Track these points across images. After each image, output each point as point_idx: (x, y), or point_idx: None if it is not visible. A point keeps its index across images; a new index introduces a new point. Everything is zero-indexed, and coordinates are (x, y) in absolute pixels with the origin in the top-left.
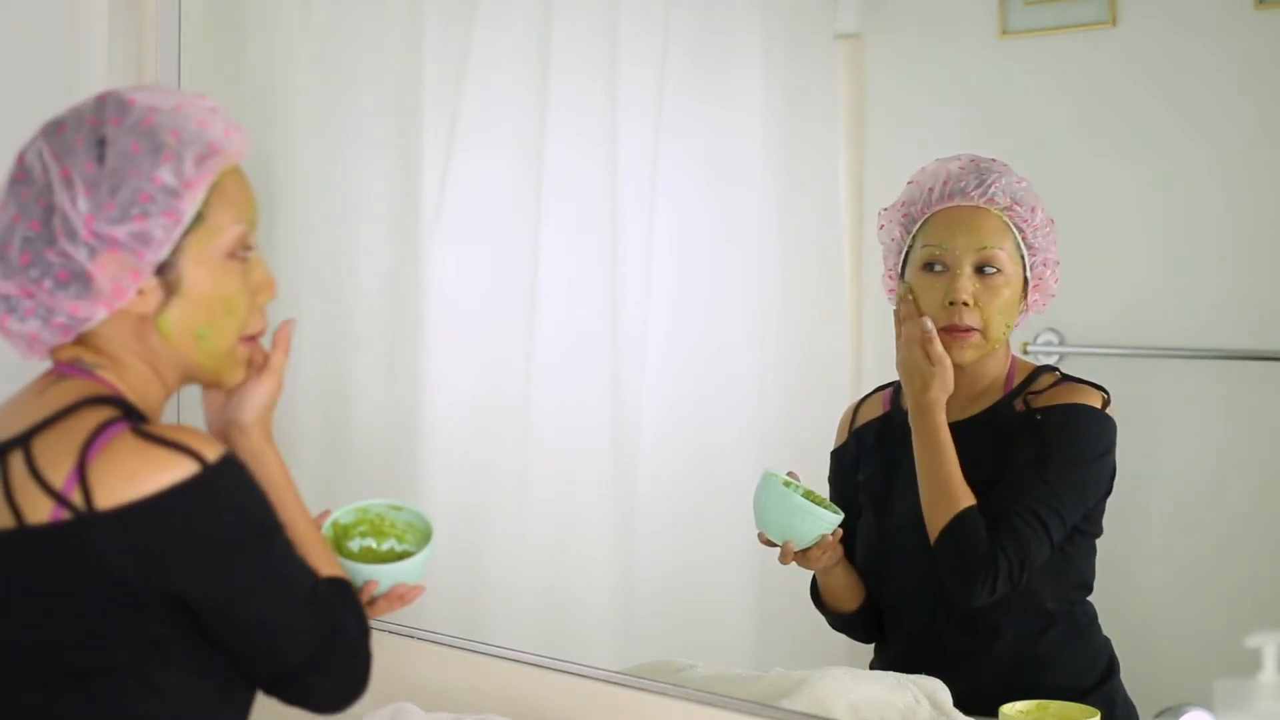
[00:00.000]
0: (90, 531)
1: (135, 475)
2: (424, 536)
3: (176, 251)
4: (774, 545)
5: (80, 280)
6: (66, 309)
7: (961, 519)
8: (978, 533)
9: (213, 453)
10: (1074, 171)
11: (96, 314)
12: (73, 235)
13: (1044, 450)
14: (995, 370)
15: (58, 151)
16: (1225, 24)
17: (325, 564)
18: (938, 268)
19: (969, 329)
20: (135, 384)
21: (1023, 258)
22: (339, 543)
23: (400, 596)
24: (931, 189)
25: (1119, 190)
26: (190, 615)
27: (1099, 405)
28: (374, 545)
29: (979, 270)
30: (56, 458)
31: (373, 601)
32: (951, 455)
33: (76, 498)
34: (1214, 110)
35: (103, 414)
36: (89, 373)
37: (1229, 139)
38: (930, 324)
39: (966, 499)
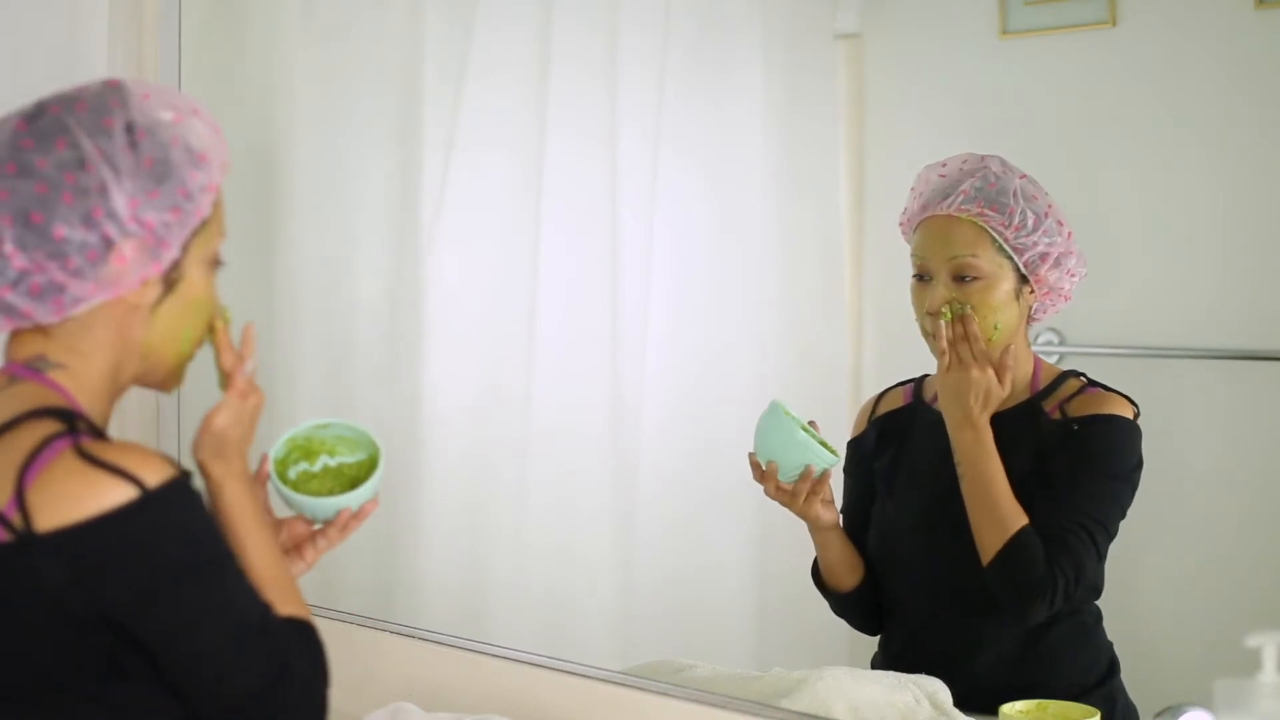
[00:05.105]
0: (30, 553)
1: (73, 498)
2: (356, 447)
3: (183, 251)
4: (764, 482)
5: (104, 261)
6: (79, 289)
7: (1021, 538)
8: (1036, 552)
9: (154, 477)
10: (1074, 171)
11: (99, 297)
12: (113, 215)
13: (1085, 462)
14: (1018, 369)
15: (88, 129)
16: (1225, 24)
17: (287, 603)
18: (925, 277)
19: None
20: (91, 384)
21: (1010, 258)
22: (282, 478)
23: (353, 521)
24: (916, 198)
25: (1119, 190)
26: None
27: (1131, 416)
28: (308, 467)
29: (959, 279)
30: None
31: (324, 531)
32: (1002, 474)
33: (17, 519)
34: (1214, 110)
35: (46, 429)
36: (40, 375)
37: (1229, 139)
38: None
39: (1021, 517)
